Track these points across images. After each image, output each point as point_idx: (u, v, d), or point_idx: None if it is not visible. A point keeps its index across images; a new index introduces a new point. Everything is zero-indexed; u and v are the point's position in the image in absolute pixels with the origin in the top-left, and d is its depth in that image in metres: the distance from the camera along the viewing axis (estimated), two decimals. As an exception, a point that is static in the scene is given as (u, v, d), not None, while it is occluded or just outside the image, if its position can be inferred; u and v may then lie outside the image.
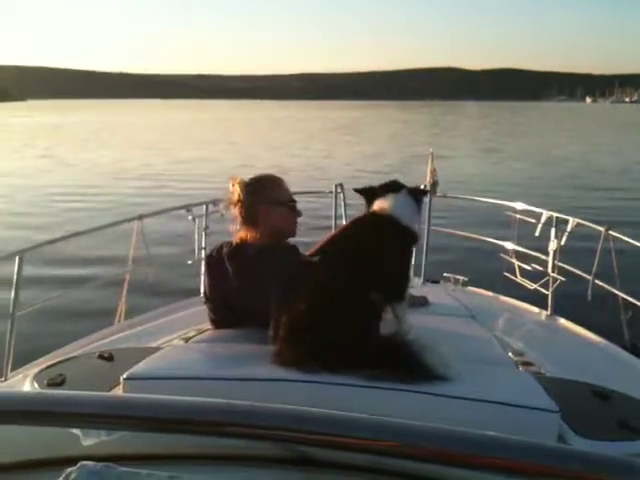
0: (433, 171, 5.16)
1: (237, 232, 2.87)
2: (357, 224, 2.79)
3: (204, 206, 4.65)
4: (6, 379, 3.22)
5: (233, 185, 2.87)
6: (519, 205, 4.76)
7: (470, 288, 4.68)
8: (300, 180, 17.28)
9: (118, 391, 2.25)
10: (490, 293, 4.62)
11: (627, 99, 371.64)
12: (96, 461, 1.04)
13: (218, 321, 3.00)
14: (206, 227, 4.60)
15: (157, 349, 2.70)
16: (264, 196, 2.85)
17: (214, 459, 1.32)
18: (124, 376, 2.21)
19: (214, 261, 2.93)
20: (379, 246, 2.57)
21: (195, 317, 3.63)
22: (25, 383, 2.55)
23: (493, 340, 3.05)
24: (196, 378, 2.24)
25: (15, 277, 3.35)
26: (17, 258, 3.37)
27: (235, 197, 2.85)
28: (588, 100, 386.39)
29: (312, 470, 1.28)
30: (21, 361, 3.34)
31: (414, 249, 2.78)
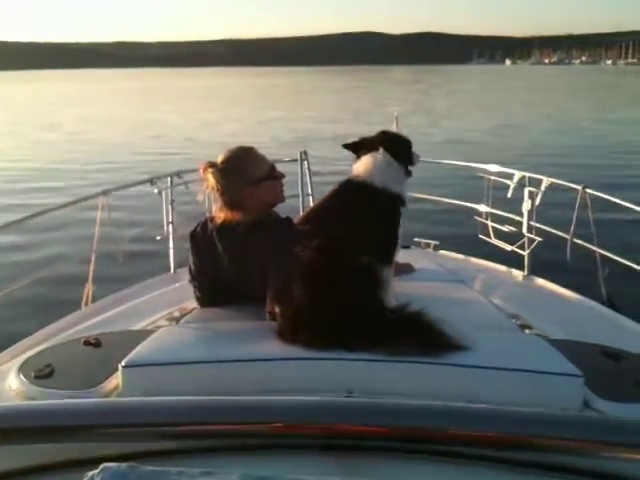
0: None
1: (219, 212, 2.72)
2: (336, 194, 2.72)
3: (168, 178, 4.46)
4: None
5: (204, 171, 2.68)
6: (492, 167, 4.73)
7: (442, 252, 4.66)
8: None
9: (116, 379, 2.13)
10: (462, 256, 4.61)
11: (546, 61, 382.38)
12: (119, 461, 0.98)
13: (205, 299, 2.88)
14: (172, 200, 4.41)
15: (145, 332, 2.57)
16: (244, 177, 2.68)
17: (247, 450, 1.25)
18: (122, 364, 2.10)
19: (199, 238, 2.79)
20: (359, 215, 2.52)
21: (174, 295, 3.50)
22: (10, 375, 2.36)
23: (489, 304, 3.03)
24: (200, 362, 2.13)
25: None
26: None
27: (211, 184, 2.67)
28: (508, 62, 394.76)
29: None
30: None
31: (400, 210, 2.69)
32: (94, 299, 3.94)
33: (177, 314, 2.95)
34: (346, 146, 2.85)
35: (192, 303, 2.98)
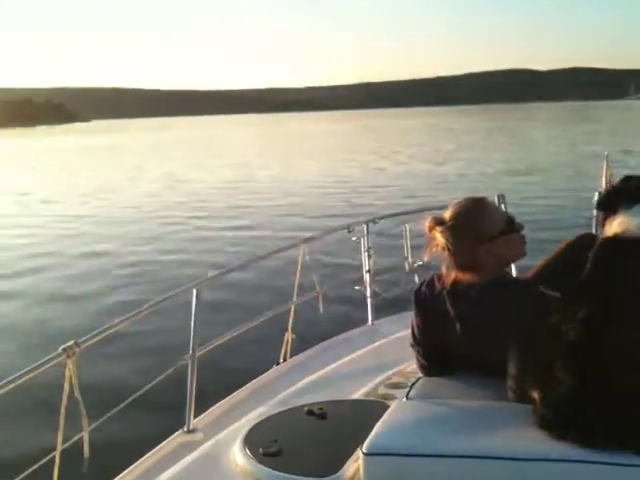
0: (609, 177, 4.55)
1: (449, 271, 2.41)
2: (595, 252, 2.25)
3: (364, 225, 4.27)
4: (190, 429, 2.86)
5: (431, 230, 2.39)
6: None
7: None
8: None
9: (354, 465, 1.94)
10: None
11: None
12: None
13: (430, 368, 2.55)
14: (369, 248, 4.23)
15: (372, 404, 2.43)
16: (479, 235, 2.34)
17: None
18: (364, 449, 1.84)
19: (426, 299, 2.48)
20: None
21: (382, 354, 3.35)
22: (234, 447, 2.22)
23: None
24: (456, 456, 1.82)
25: (193, 312, 3.02)
26: (194, 291, 3.05)
27: (440, 243, 2.37)
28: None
29: None
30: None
31: None
32: (293, 350, 3.82)
33: (396, 380, 2.78)
34: (602, 205, 2.39)
35: (409, 366, 2.80)
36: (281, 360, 3.73)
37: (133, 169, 33.63)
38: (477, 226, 2.36)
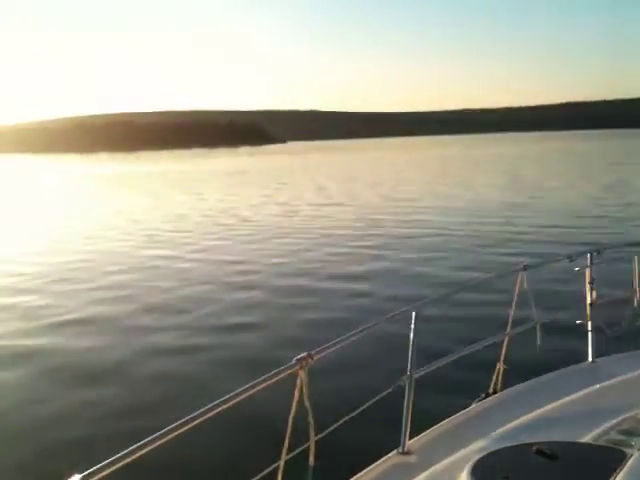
0: None
1: None
2: None
3: (588, 255, 4.01)
4: (405, 451, 2.85)
5: None
6: None
7: None
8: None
9: None
10: None
11: None
12: None
13: None
14: (592, 280, 3.95)
15: (605, 450, 2.23)
16: None
17: None
18: None
19: None
20: None
21: (606, 396, 3.08)
22: (460, 478, 2.16)
23: None
24: None
25: (412, 334, 3.01)
26: (413, 313, 3.05)
27: None
28: None
29: None
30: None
31: None
32: (504, 382, 3.67)
33: (630, 425, 2.58)
34: None
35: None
36: (490, 391, 3.60)
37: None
38: None
